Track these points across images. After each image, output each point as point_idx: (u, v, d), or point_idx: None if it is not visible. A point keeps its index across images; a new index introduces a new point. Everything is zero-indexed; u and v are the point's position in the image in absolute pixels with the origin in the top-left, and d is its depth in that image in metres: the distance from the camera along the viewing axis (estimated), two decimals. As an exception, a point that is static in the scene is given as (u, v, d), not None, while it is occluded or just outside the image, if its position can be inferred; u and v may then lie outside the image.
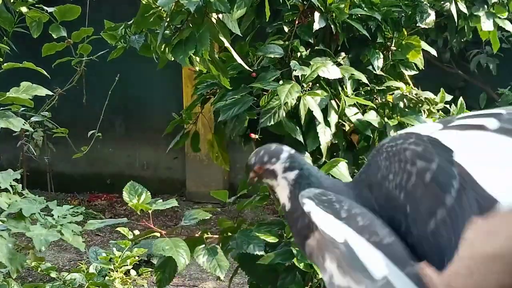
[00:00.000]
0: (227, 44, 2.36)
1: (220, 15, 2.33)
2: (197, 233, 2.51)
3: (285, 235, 2.56)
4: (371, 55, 2.64)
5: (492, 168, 1.10)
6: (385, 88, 2.66)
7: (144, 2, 2.39)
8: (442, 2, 2.75)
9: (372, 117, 2.53)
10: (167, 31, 2.36)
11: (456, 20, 2.73)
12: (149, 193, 2.40)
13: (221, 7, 2.24)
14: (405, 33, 2.74)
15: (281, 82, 2.47)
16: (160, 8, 2.32)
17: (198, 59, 2.38)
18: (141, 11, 2.41)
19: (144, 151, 7.77)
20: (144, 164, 7.82)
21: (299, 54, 2.58)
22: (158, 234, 2.41)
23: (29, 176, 6.10)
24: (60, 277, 3.74)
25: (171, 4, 2.23)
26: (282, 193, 1.24)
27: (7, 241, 2.72)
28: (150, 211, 2.36)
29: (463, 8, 2.74)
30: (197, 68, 2.59)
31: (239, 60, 2.42)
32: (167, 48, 2.37)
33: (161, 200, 2.41)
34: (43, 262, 3.81)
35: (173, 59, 2.36)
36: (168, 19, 2.30)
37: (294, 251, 2.42)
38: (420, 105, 2.62)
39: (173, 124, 2.88)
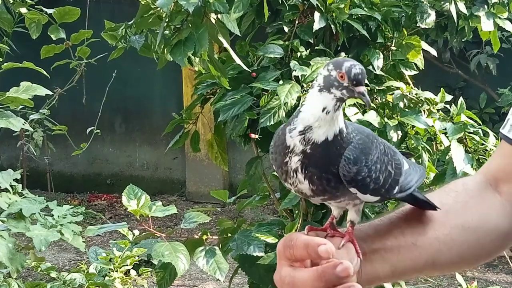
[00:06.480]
0: (226, 44, 2.36)
1: (219, 15, 2.33)
2: (197, 233, 2.51)
3: (285, 235, 2.56)
4: (371, 55, 2.64)
5: None
6: (385, 88, 2.65)
7: (143, 3, 2.39)
8: (442, 2, 2.75)
9: (372, 117, 2.53)
10: (166, 31, 2.36)
11: (455, 20, 2.73)
12: (148, 196, 2.39)
13: (220, 8, 2.24)
14: (405, 33, 2.74)
15: (281, 82, 2.47)
16: (159, 8, 2.31)
17: (197, 59, 2.38)
18: (140, 11, 2.41)
19: (144, 151, 7.77)
20: (144, 164, 7.81)
21: (299, 54, 2.58)
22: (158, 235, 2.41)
23: (29, 176, 6.10)
24: (60, 277, 3.75)
25: (170, 4, 2.22)
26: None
27: (7, 241, 2.72)
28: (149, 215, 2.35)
29: (463, 8, 2.74)
30: (196, 68, 2.59)
31: (238, 61, 2.41)
32: (166, 49, 2.36)
33: (160, 203, 2.39)
34: (43, 262, 3.82)
35: (172, 59, 2.35)
36: (167, 20, 2.30)
37: (294, 251, 2.42)
38: (420, 105, 2.62)
39: (173, 124, 2.87)
